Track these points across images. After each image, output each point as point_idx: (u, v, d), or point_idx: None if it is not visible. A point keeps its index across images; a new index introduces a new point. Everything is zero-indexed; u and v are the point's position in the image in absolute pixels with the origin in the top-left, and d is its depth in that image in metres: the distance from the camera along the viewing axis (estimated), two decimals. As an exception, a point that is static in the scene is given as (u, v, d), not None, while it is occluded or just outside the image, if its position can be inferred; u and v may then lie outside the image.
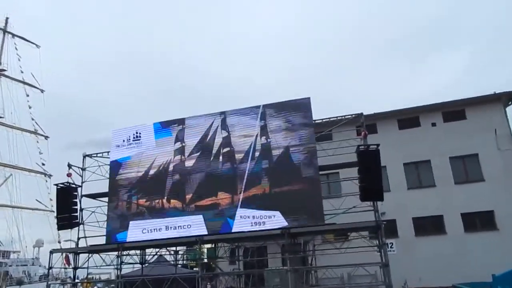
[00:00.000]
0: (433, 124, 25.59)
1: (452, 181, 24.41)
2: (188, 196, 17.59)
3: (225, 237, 16.82)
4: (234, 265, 24.42)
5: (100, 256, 18.81)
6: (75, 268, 18.53)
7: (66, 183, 18.97)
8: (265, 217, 16.31)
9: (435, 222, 24.01)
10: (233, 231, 16.52)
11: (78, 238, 19.17)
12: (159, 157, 18.56)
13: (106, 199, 20.13)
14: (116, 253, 19.46)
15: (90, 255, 18.90)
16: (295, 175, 16.57)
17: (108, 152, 20.22)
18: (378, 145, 15.70)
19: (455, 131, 25.04)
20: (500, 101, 24.64)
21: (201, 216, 17.07)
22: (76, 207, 19.02)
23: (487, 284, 11.87)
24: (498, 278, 10.41)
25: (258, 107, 18.08)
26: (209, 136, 18.24)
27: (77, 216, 18.93)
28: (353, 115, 17.63)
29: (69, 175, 19.26)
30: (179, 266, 23.30)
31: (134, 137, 19.28)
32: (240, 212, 16.67)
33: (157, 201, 17.96)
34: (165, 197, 17.88)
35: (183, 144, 18.48)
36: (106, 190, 19.60)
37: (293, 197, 16.25)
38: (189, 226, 17.07)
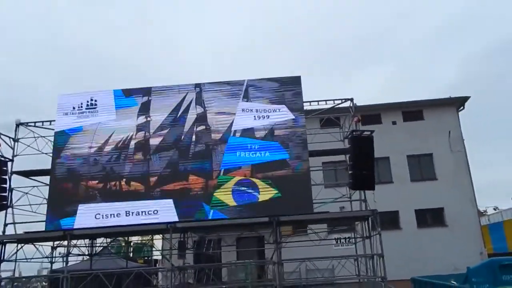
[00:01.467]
0: (394, 123, 25.08)
1: (408, 178, 24.06)
2: (153, 179, 14.44)
3: (202, 225, 13.96)
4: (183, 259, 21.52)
5: (35, 247, 14.87)
6: (-1, 261, 14.39)
7: (-7, 154, 14.77)
8: (246, 203, 13.93)
9: (392, 217, 23.48)
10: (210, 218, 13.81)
11: (5, 224, 15.01)
12: (118, 131, 15.09)
13: (43, 178, 16.22)
14: (50, 243, 15.78)
15: (21, 245, 14.86)
16: (280, 165, 14.35)
17: (50, 121, 16.25)
18: (372, 131, 14.14)
19: (413, 130, 24.86)
20: (454, 105, 24.89)
21: (170, 201, 14.08)
22: (4, 185, 14.85)
23: (448, 277, 11.81)
24: (472, 271, 9.93)
25: (241, 82, 15.51)
26: (180, 111, 15.23)
27: (5, 196, 14.77)
28: (343, 100, 15.92)
29: (-4, 145, 15.03)
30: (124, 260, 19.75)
31: (88, 104, 15.56)
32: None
33: (113, 183, 14.52)
34: (124, 179, 14.52)
35: (148, 118, 15.24)
36: (44, 167, 15.71)
37: (277, 183, 13.99)
38: (156, 212, 13.99)
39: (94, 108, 15.45)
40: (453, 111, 24.92)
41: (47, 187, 15.68)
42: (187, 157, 14.58)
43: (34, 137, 16.22)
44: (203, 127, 14.91)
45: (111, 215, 14.01)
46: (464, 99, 24.50)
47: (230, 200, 13.93)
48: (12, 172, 15.43)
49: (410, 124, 24.68)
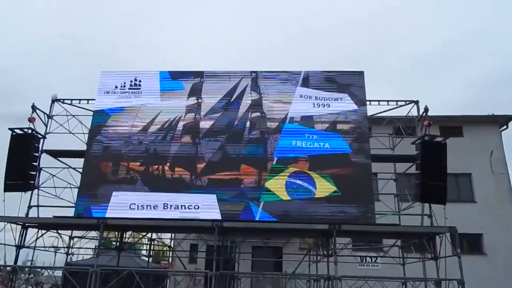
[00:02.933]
0: (431, 137, 23.11)
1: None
2: (200, 166, 12.47)
3: (248, 227, 11.87)
4: (195, 264, 19.55)
5: (59, 235, 12.86)
6: (18, 247, 12.35)
7: (26, 129, 12.92)
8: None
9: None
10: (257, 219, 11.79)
11: (29, 206, 13.04)
12: (165, 111, 13.26)
13: (74, 161, 14.35)
14: (68, 233, 13.80)
15: (43, 231, 12.85)
16: (341, 157, 12.41)
17: (87, 100, 14.45)
18: (446, 137, 12.27)
19: (451, 147, 22.74)
20: (496, 123, 22.90)
21: (214, 196, 12.07)
22: (34, 163, 12.94)
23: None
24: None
25: (298, 72, 13.75)
26: (234, 96, 13.42)
27: (33, 176, 12.84)
28: (407, 101, 14.07)
29: (31, 119, 13.18)
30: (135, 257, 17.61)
31: (132, 85, 13.78)
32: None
33: (155, 166, 12.60)
34: (168, 163, 12.60)
35: (200, 100, 13.43)
36: (75, 148, 13.88)
37: (336, 184, 12.03)
38: (196, 207, 11.96)
39: (138, 88, 13.67)
40: (495, 129, 22.90)
41: (77, 172, 13.86)
42: (239, 144, 12.68)
43: (69, 115, 14.36)
44: (258, 113, 13.08)
45: (147, 206, 12.01)
46: (509, 117, 22.51)
47: (283, 193, 11.94)
48: (43, 151, 13.53)
49: (448, 141, 22.74)
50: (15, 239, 12.35)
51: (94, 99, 14.32)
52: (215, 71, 13.89)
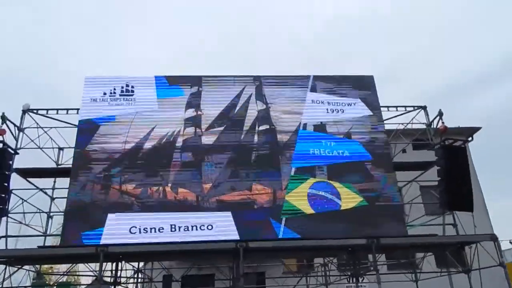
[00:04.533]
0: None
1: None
2: (206, 186, 11.19)
3: (279, 245, 10.62)
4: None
5: (36, 271, 10.85)
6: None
7: (-5, 143, 10.93)
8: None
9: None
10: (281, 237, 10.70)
11: (6, 236, 10.92)
12: (161, 124, 11.83)
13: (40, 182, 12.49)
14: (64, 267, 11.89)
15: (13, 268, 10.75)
16: (362, 167, 11.69)
17: (66, 109, 12.66)
18: (466, 140, 11.93)
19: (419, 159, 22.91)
20: (463, 135, 22.53)
21: (229, 214, 10.83)
22: (5, 184, 10.92)
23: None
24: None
25: (306, 77, 12.94)
26: (238, 106, 12.29)
27: (4, 199, 10.82)
28: (415, 107, 13.69)
29: (2, 132, 11.18)
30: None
31: (123, 91, 12.22)
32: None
33: (155, 188, 11.09)
34: (169, 184, 11.14)
35: (199, 112, 12.13)
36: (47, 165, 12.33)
37: (361, 194, 11.29)
38: (210, 227, 10.64)
39: (131, 95, 12.15)
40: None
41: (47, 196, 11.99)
42: (249, 162, 11.56)
43: (44, 128, 12.49)
44: (266, 126, 12.04)
45: (151, 229, 10.49)
46: (474, 129, 22.70)
47: (306, 207, 11.01)
48: (13, 170, 11.52)
49: (414, 153, 22.74)
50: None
51: (74, 109, 12.61)
52: (214, 76, 12.69)
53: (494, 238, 10.71)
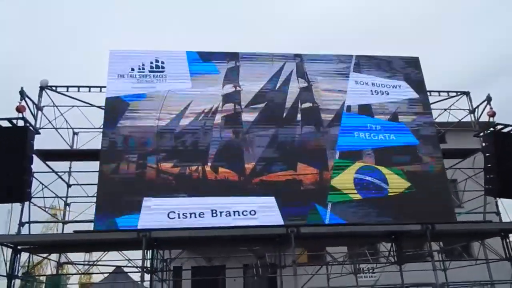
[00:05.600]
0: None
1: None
2: (249, 166, 10.58)
3: (333, 231, 10.10)
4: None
5: (70, 262, 10.08)
6: (10, 277, 9.40)
7: (15, 120, 10.09)
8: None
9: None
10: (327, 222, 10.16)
11: (21, 223, 10.12)
12: (197, 100, 11.17)
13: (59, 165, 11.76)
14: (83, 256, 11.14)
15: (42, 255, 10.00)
16: (409, 152, 11.26)
17: (88, 87, 11.92)
18: (514, 125, 11.58)
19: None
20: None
21: (272, 199, 10.24)
22: (29, 165, 10.10)
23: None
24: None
25: (349, 56, 12.44)
26: (279, 83, 11.74)
27: (27, 181, 10.00)
28: (458, 93, 13.32)
29: (21, 108, 10.36)
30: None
31: (153, 67, 11.50)
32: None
33: (194, 167, 10.43)
34: (209, 163, 10.50)
35: (238, 88, 11.52)
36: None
37: (409, 179, 10.84)
38: (253, 213, 10.04)
39: (162, 71, 11.44)
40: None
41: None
42: (293, 140, 10.99)
43: (64, 106, 11.72)
44: (309, 104, 11.52)
45: (191, 214, 9.82)
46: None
47: (352, 192, 10.54)
48: (34, 151, 10.71)
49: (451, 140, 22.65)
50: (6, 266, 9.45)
51: (98, 86, 11.90)
52: (252, 53, 12.11)
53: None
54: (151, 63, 11.54)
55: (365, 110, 11.65)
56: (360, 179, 10.66)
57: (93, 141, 12.37)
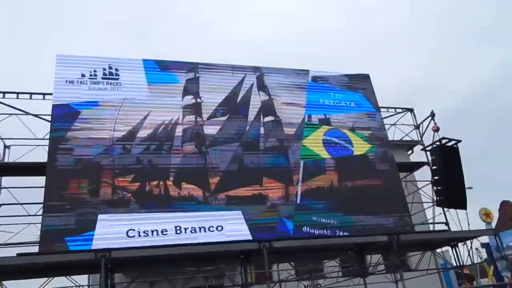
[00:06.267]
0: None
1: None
2: (213, 181, 10.25)
3: (308, 244, 9.91)
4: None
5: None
6: None
7: None
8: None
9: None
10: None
11: None
12: (156, 111, 10.66)
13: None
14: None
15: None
16: (367, 167, 11.80)
17: (29, 94, 10.88)
18: (459, 141, 12.72)
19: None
20: (404, 148, 25.32)
21: (239, 213, 10.01)
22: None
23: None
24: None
25: (305, 71, 12.84)
26: (240, 95, 11.69)
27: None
28: (404, 110, 14.35)
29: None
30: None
31: (105, 73, 10.80)
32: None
33: (155, 183, 9.84)
34: (171, 178, 9.98)
35: (198, 99, 11.23)
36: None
37: (369, 196, 11.29)
38: (220, 228, 9.68)
39: (116, 79, 10.82)
40: (404, 153, 25.31)
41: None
42: (257, 154, 10.93)
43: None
44: (271, 118, 11.58)
45: (153, 232, 9.20)
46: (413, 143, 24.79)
47: (323, 152, 11.48)
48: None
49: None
50: None
51: (41, 93, 10.93)
52: (211, 64, 11.98)
53: (496, 233, 11.37)
54: (104, 69, 10.85)
55: (325, 121, 12.03)
56: (328, 140, 11.72)
57: (29, 155, 11.32)
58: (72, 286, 9.22)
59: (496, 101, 79.09)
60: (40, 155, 10.74)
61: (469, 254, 11.66)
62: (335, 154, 11.50)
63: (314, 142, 11.51)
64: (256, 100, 11.74)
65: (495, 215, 24.56)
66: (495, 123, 78.76)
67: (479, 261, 21.53)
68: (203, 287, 14.73)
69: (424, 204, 14.13)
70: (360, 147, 11.90)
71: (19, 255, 7.93)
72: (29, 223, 10.11)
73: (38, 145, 11.03)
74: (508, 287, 19.46)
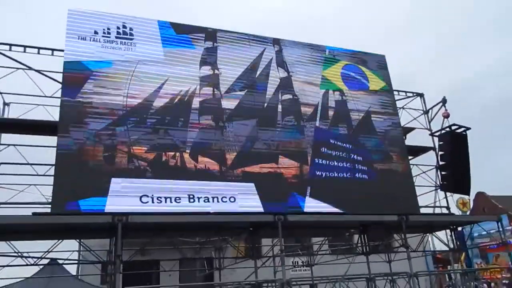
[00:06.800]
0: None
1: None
2: (230, 156, 10.13)
3: (321, 220, 10.04)
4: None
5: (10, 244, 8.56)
6: None
7: None
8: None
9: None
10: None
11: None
12: (172, 79, 10.36)
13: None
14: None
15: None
16: (380, 150, 11.92)
17: (37, 48, 10.41)
18: (468, 128, 12.94)
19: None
20: None
21: (252, 186, 9.99)
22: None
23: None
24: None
25: (322, 48, 12.70)
26: (258, 70, 11.47)
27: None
28: (414, 94, 14.42)
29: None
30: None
31: (119, 32, 10.36)
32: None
33: (171, 153, 9.65)
34: (188, 150, 9.81)
35: (216, 71, 10.98)
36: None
37: (380, 179, 11.45)
38: (233, 199, 9.66)
39: (130, 39, 10.40)
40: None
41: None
42: (273, 132, 10.85)
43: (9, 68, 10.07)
44: (289, 96, 11.48)
45: (166, 198, 9.10)
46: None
47: (340, 83, 12.28)
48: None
49: None
50: None
51: (50, 49, 10.49)
52: (230, 31, 11.68)
53: (499, 219, 11.73)
54: (118, 28, 10.41)
55: (341, 107, 12.00)
56: (346, 74, 12.42)
57: (30, 113, 10.89)
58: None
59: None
60: (42, 114, 10.40)
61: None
62: (352, 88, 12.29)
63: (334, 75, 12.18)
64: (275, 76, 11.54)
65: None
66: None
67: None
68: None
69: (425, 188, 14.34)
70: (375, 83, 12.69)
71: (34, 214, 7.70)
72: (31, 184, 9.79)
73: (40, 105, 10.55)
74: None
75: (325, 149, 11.24)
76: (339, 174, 11.12)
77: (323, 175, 10.90)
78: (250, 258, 10.57)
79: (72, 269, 12.91)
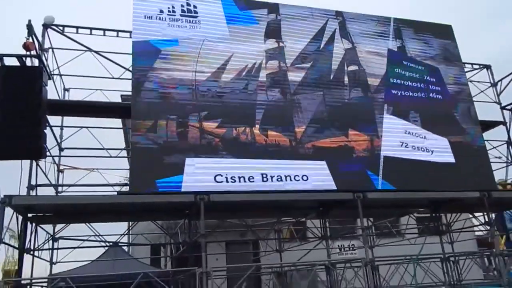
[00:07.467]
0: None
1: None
2: (299, 129, 10.00)
3: (400, 197, 9.99)
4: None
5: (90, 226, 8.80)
6: (22, 251, 8.01)
7: (23, 56, 8.49)
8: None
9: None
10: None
11: (30, 187, 8.65)
12: (238, 54, 10.27)
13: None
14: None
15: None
16: (451, 123, 11.47)
17: (103, 30, 10.50)
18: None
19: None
20: None
21: (324, 164, 9.81)
22: (41, 115, 8.56)
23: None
24: None
25: (387, 20, 12.23)
26: (323, 42, 11.20)
27: (41, 135, 8.47)
28: (481, 66, 13.75)
29: (29, 46, 8.67)
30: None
31: (183, 10, 10.33)
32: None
33: (241, 129, 9.59)
34: (257, 125, 9.72)
35: (281, 44, 10.77)
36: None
37: (453, 153, 11.04)
38: (305, 178, 9.53)
39: (195, 17, 10.34)
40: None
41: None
42: (342, 104, 10.65)
43: (76, 49, 10.20)
44: (355, 67, 11.17)
45: (240, 178, 9.06)
46: None
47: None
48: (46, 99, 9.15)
49: None
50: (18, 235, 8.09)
51: (115, 30, 10.54)
52: (291, 6, 11.47)
53: None
54: (182, 6, 10.38)
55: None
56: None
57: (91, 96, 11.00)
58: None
59: None
60: (99, 97, 10.52)
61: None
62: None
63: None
64: (339, 47, 11.29)
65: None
66: None
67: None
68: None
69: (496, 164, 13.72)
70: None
71: (120, 193, 7.84)
72: (97, 169, 9.98)
73: (97, 89, 10.69)
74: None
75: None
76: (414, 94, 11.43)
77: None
78: (321, 238, 10.55)
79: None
